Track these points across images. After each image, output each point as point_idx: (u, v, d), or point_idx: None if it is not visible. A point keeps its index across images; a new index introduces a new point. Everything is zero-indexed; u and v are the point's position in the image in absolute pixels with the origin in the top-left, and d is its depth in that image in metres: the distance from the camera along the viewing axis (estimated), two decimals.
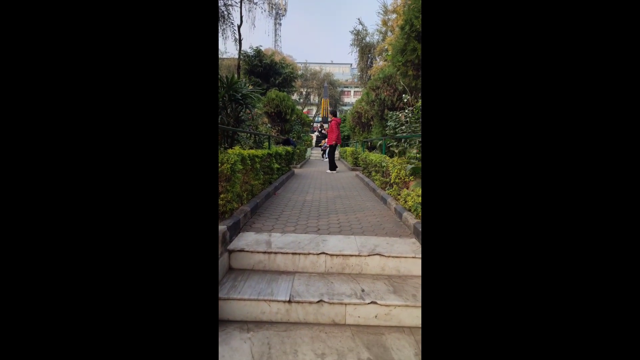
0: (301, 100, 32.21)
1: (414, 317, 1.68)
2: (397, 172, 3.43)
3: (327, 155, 13.34)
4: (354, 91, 39.58)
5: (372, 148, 8.78)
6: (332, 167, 7.25)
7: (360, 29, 24.01)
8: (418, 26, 3.63)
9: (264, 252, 2.05)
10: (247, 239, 2.21)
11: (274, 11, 18.76)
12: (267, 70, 18.27)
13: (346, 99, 38.92)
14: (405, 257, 2.02)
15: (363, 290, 1.80)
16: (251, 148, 4.63)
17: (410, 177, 3.12)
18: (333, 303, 1.70)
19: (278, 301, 1.70)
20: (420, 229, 2.22)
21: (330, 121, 7.14)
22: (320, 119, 31.00)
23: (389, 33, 19.17)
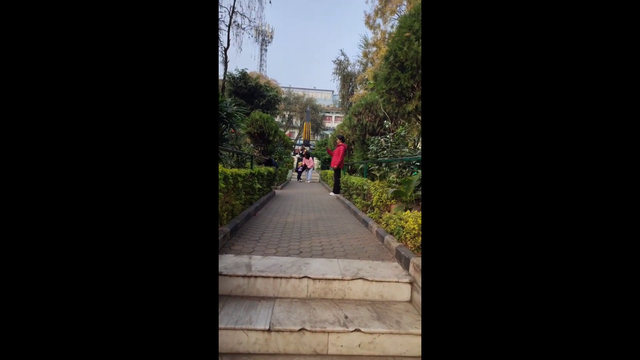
0: (284, 122, 32.65)
1: (397, 345, 1.62)
2: (379, 195, 3.45)
3: (307, 178, 13.53)
4: (335, 116, 40.82)
5: (353, 171, 8.89)
6: (337, 190, 7.30)
7: (343, 59, 25.21)
8: (401, 57, 3.84)
9: (244, 276, 1.94)
10: (226, 262, 2.09)
11: (260, 37, 19.32)
12: (251, 92, 18.51)
13: (327, 124, 39.95)
14: (388, 281, 1.98)
15: (346, 317, 1.72)
16: (232, 167, 4.54)
17: (392, 201, 3.15)
18: (315, 331, 1.61)
19: (257, 330, 1.58)
20: (402, 253, 2.21)
21: (339, 145, 7.30)
22: (301, 141, 31.59)
23: (369, 64, 20.21)
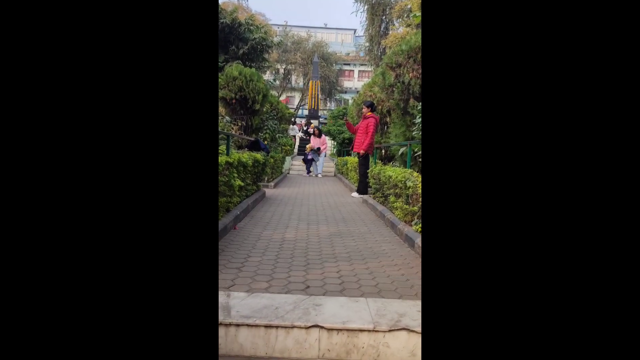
0: (277, 82, 32.38)
1: None
2: None
3: (316, 171, 13.16)
4: (360, 70, 40.40)
5: (389, 159, 8.88)
6: (364, 189, 7.28)
7: None
8: None
9: (219, 324, 1.96)
10: None
11: None
12: (226, 35, 18.40)
13: (347, 82, 39.54)
14: None
15: None
16: None
17: None
18: None
19: None
20: None
21: (366, 117, 7.32)
22: (305, 112, 31.23)
23: None
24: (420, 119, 5.47)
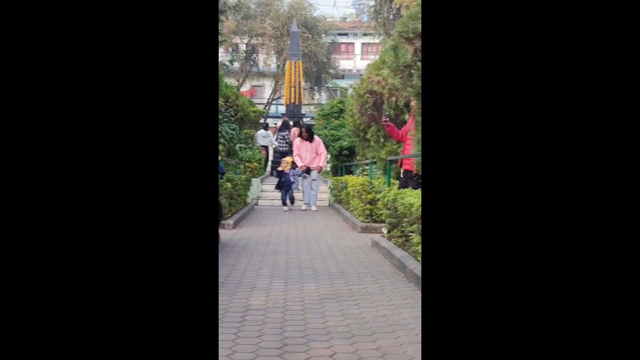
0: (235, 64, 32.03)
1: None
2: None
3: (307, 200, 12.16)
4: (363, 43, 40.46)
5: (410, 178, 8.94)
6: None
7: None
8: None
9: None
10: None
11: None
12: None
13: (344, 62, 39.54)
14: None
15: None
16: None
17: None
18: None
19: None
20: None
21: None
22: (280, 109, 30.65)
23: None
24: None
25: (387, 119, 8.02)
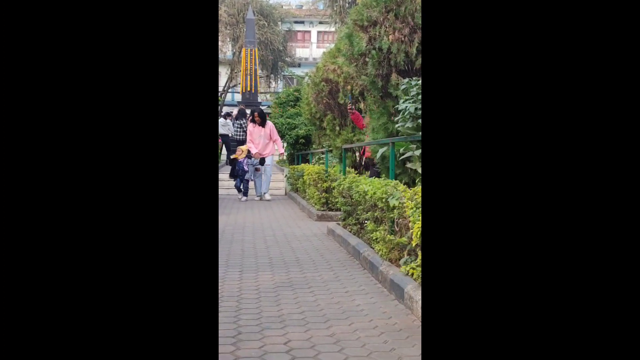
0: None
1: None
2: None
3: (259, 190, 11.94)
4: (319, 32, 40.63)
5: (366, 165, 8.98)
6: None
7: None
8: None
9: None
10: None
11: None
12: None
13: (301, 50, 39.74)
14: None
15: None
16: None
17: None
18: None
19: None
20: None
21: (352, 112, 7.35)
22: (236, 97, 30.69)
23: None
24: (407, 103, 5.58)
25: (353, 107, 8.07)
